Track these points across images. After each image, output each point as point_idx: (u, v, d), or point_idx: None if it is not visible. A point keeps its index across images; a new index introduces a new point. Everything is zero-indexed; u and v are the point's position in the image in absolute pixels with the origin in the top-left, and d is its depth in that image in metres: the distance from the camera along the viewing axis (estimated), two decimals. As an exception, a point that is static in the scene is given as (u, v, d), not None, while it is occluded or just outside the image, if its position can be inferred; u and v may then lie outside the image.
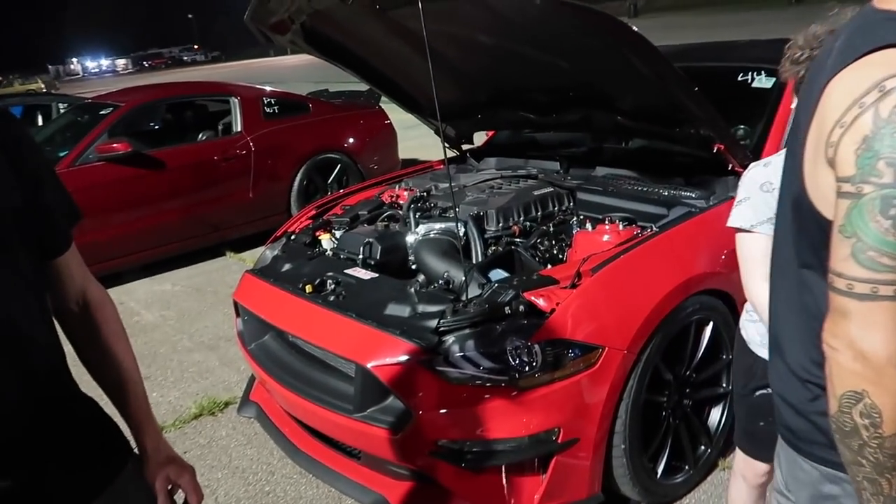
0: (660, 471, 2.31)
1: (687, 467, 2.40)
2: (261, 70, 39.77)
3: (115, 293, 4.86)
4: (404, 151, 6.86)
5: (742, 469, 1.87)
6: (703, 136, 2.50)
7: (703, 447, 2.46)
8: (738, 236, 1.63)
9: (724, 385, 2.49)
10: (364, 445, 2.20)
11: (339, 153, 6.19)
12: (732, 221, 1.64)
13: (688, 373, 2.37)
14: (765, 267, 1.49)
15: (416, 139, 7.19)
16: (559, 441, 2.01)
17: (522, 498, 2.06)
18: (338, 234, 2.98)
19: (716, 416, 2.51)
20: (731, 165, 2.58)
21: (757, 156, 2.71)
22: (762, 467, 1.82)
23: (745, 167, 2.61)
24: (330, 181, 6.15)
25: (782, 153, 1.59)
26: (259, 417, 2.81)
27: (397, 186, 3.37)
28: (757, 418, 1.73)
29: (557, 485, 2.07)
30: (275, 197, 5.86)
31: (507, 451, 2.01)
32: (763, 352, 1.69)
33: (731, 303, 2.41)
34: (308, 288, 2.46)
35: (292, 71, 17.21)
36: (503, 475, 2.05)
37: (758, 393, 1.71)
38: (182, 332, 4.18)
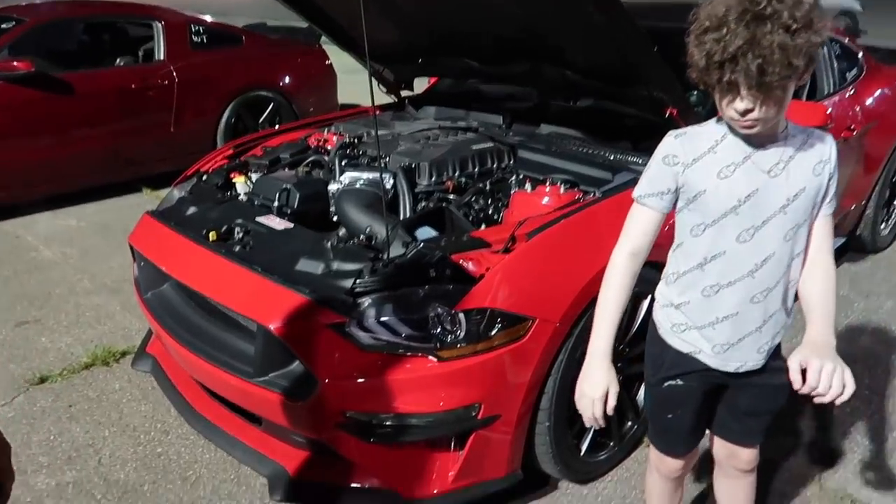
0: (584, 448, 2.19)
1: (612, 444, 2.29)
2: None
3: (12, 226, 4.42)
4: (345, 96, 6.48)
5: (656, 463, 1.76)
6: (655, 98, 2.32)
7: (629, 423, 2.35)
8: (631, 206, 1.55)
9: (656, 362, 2.37)
10: (264, 412, 1.99)
11: (272, 91, 5.79)
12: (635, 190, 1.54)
13: (621, 347, 2.24)
14: (638, 241, 1.50)
15: (360, 84, 6.78)
16: (479, 417, 1.85)
17: (435, 475, 1.90)
18: (254, 177, 2.69)
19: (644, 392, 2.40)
20: (681, 131, 2.42)
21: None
22: (675, 463, 1.72)
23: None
24: (261, 121, 5.76)
25: (705, 125, 1.44)
26: (155, 372, 2.55)
27: (326, 130, 3.08)
28: (665, 410, 1.61)
29: (474, 462, 1.91)
30: (199, 133, 5.45)
31: (422, 426, 1.83)
32: (672, 339, 1.57)
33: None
34: (212, 235, 2.19)
35: (236, 5, 16.25)
36: (415, 451, 1.88)
37: (666, 384, 1.59)
38: (83, 271, 3.82)
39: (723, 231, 1.42)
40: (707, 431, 1.74)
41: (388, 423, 1.82)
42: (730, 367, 1.52)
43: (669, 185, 1.44)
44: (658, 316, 1.63)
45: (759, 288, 1.45)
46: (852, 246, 3.90)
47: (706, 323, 1.51)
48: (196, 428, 2.26)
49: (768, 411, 1.64)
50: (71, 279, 3.72)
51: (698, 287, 1.49)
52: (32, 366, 2.89)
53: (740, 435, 1.67)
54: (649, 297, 2.20)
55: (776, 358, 1.57)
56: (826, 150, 1.43)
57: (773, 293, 1.46)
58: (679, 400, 1.61)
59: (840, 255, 3.87)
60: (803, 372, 1.36)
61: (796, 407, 2.66)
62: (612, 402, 1.48)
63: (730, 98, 1.26)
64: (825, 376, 1.33)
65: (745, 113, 1.26)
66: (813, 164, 1.40)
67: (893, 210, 4.12)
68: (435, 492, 1.89)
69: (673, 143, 1.45)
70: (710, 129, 1.44)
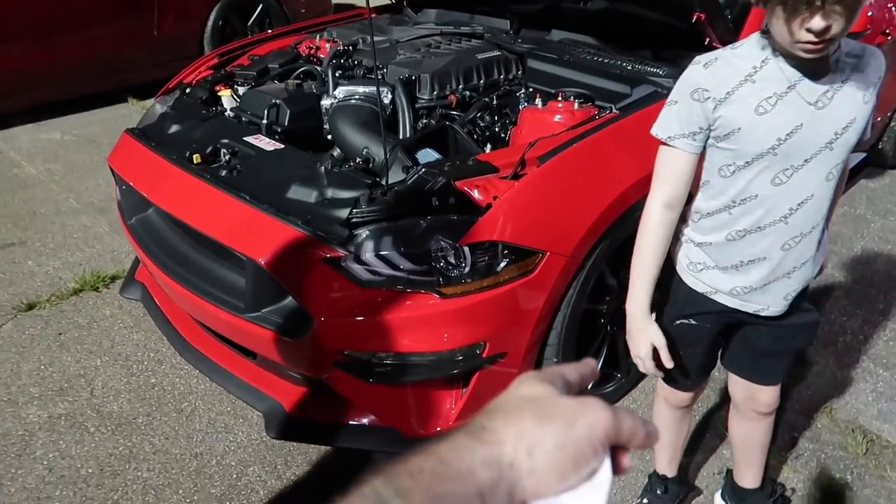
0: (591, 381, 2.11)
1: (619, 375, 2.21)
2: None
3: (-8, 139, 4.22)
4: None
5: (664, 393, 1.69)
6: (681, 0, 2.09)
7: (638, 354, 2.26)
8: (659, 148, 1.36)
9: (668, 289, 2.26)
10: (258, 348, 1.89)
11: (261, -8, 5.40)
12: (654, 128, 1.36)
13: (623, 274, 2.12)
14: (672, 188, 1.32)
15: (353, -18, 6.40)
16: (484, 356, 1.75)
17: (438, 413, 1.83)
18: (241, 90, 2.48)
19: (655, 321, 2.30)
20: (708, 40, 2.20)
21: (737, 32, 2.34)
22: (685, 394, 1.65)
23: (724, 43, 2.25)
24: (250, 23, 5.41)
25: (739, 48, 1.26)
26: (144, 300, 2.44)
27: (318, 36, 2.84)
28: (676, 348, 1.48)
29: (478, 400, 1.83)
30: (184, 38, 5.12)
31: (424, 365, 1.73)
32: (687, 277, 1.45)
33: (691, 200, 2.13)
34: (196, 158, 2.02)
35: None
36: (417, 389, 1.79)
37: (677, 322, 1.49)
38: (69, 189, 3.65)
39: (757, 173, 1.26)
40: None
41: (388, 362, 1.73)
42: (749, 309, 1.42)
43: (700, 123, 1.27)
44: (675, 250, 1.49)
45: (791, 234, 1.31)
46: (872, 161, 3.72)
47: (729, 265, 1.38)
48: (189, 360, 2.17)
49: (788, 351, 1.54)
50: (56, 198, 3.56)
51: (723, 231, 1.35)
52: (19, 291, 2.78)
53: (758, 374, 1.58)
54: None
55: (801, 297, 1.45)
56: (878, 71, 1.25)
57: (807, 239, 1.32)
58: (691, 339, 1.52)
59: (857, 171, 3.70)
60: None
61: (810, 333, 2.58)
62: (664, 358, 1.39)
63: (806, 16, 1.05)
64: None
65: (822, 32, 1.06)
66: (864, 89, 1.23)
67: (919, 122, 3.90)
68: (438, 430, 1.82)
69: (702, 74, 1.26)
70: (745, 53, 1.24)
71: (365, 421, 1.87)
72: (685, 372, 1.57)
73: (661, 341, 1.39)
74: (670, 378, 1.61)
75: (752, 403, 1.62)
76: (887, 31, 3.06)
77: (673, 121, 1.31)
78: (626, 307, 1.43)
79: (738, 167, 1.27)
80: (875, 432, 2.15)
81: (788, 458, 2.05)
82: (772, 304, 1.40)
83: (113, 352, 2.46)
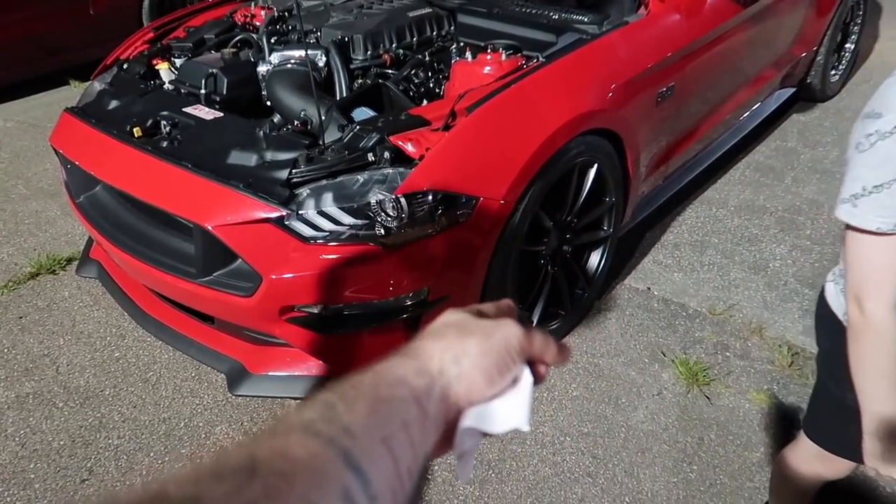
0: (536, 319, 2.24)
1: (563, 313, 2.34)
2: None
3: (-70, 131, 4.14)
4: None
5: (823, 462, 1.43)
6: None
7: (580, 291, 2.39)
8: (859, 237, 1.04)
9: (605, 228, 2.39)
10: (213, 311, 1.97)
11: (196, -38, 5.30)
12: (858, 219, 1.02)
13: (569, 218, 2.23)
14: (891, 290, 1.02)
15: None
16: (429, 300, 1.85)
17: (391, 359, 1.93)
18: (178, 62, 2.50)
19: (595, 259, 2.43)
20: (628, -14, 2.29)
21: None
22: (849, 464, 1.40)
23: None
24: (188, -5, 5.32)
25: None
26: (101, 278, 2.49)
27: (252, 4, 2.85)
28: (850, 422, 1.18)
29: (428, 343, 1.94)
30: (122, 14, 5.02)
31: (373, 314, 1.83)
32: None
33: (617, 142, 2.24)
34: (137, 131, 2.05)
35: None
36: (369, 336, 1.89)
37: (851, 396, 1.17)
38: (17, 176, 3.63)
39: None
40: None
41: (338, 313, 1.82)
42: None
43: None
44: (842, 310, 1.22)
45: None
46: (802, 95, 3.87)
47: None
48: (149, 330, 2.24)
49: None
50: (4, 185, 3.54)
51: None
52: (-26, 279, 2.80)
53: None
54: (595, 165, 2.19)
55: None
56: None
57: None
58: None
59: (789, 105, 3.86)
60: None
61: (735, 258, 2.75)
62: None
63: None
64: None
65: None
66: None
67: (844, 55, 4.06)
68: (391, 373, 1.93)
69: None
70: None
71: (322, 371, 1.97)
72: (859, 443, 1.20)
73: None
74: (841, 449, 1.34)
75: None
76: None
77: (883, 200, 0.99)
78: (864, 408, 1.14)
79: None
80: (800, 346, 2.32)
81: (720, 375, 2.21)
82: None
83: (75, 330, 2.51)
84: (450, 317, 0.53)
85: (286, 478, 0.34)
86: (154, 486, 0.32)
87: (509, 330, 0.51)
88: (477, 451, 0.50)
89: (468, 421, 0.48)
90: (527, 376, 0.51)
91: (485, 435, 0.50)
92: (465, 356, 0.48)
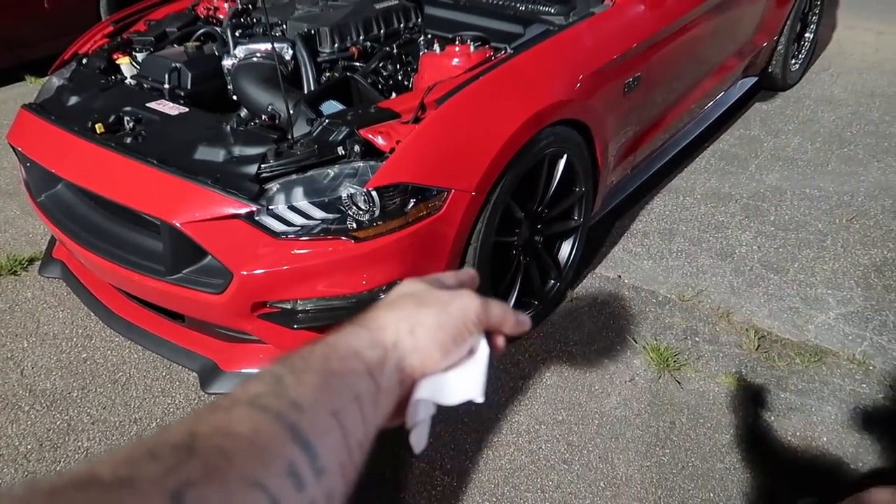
0: (509, 310, 2.24)
1: (536, 302, 2.36)
2: None
3: None
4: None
5: None
6: (564, -61, 2.17)
7: (552, 281, 2.42)
8: None
9: (576, 217, 2.41)
10: (183, 309, 1.94)
11: (155, -47, 5.18)
12: None
13: (540, 209, 2.25)
14: None
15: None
16: (402, 293, 1.84)
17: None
18: (140, 56, 2.44)
19: (566, 249, 2.45)
20: (593, -24, 2.30)
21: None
22: None
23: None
24: (148, -12, 5.20)
25: None
26: (65, 277, 2.43)
27: (215, -4, 2.80)
28: None
29: (402, 336, 1.94)
30: (78, 6, 4.90)
31: (346, 307, 1.82)
32: None
33: (586, 132, 2.26)
34: (99, 127, 2.01)
35: None
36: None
37: None
38: (-27, 176, 3.52)
39: None
40: None
41: (309, 308, 1.81)
42: None
43: None
44: None
45: None
46: (764, 84, 3.95)
47: None
48: (117, 330, 2.20)
49: None
50: (-41, 184, 3.43)
51: None
52: (-69, 282, 2.71)
53: None
54: (565, 155, 2.20)
55: None
56: None
57: None
58: None
59: (752, 94, 3.93)
60: None
61: (702, 245, 2.80)
62: None
63: None
64: None
65: None
66: None
67: (804, 44, 4.15)
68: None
69: None
70: None
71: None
72: None
73: None
74: None
75: None
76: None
77: None
78: None
79: None
80: (766, 329, 2.37)
81: (690, 360, 2.25)
82: None
83: (39, 332, 2.45)
84: (408, 287, 0.52)
85: (227, 454, 0.33)
86: (84, 468, 0.31)
87: (466, 301, 0.50)
88: (431, 423, 0.49)
89: (422, 392, 0.48)
90: (483, 348, 0.50)
91: (439, 406, 0.49)
92: (421, 328, 0.47)
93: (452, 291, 0.51)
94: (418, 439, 0.49)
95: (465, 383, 0.49)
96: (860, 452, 1.94)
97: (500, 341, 0.53)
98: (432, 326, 0.47)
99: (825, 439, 1.98)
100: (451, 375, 0.49)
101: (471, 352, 0.50)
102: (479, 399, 0.49)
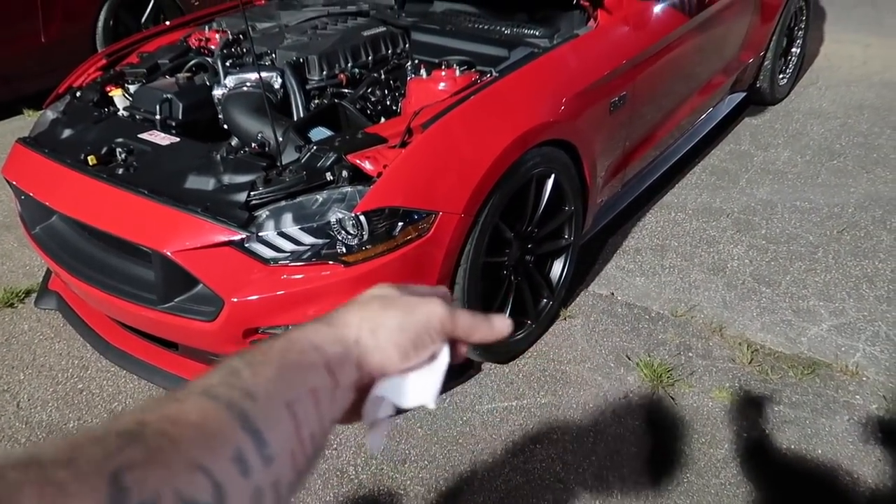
0: (502, 330, 2.25)
1: (529, 322, 2.37)
2: None
3: None
4: (232, -16, 5.97)
5: None
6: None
7: (545, 300, 2.43)
8: None
9: (566, 236, 2.43)
10: (176, 337, 1.95)
11: (150, -14, 5.27)
12: None
13: (529, 229, 2.27)
14: None
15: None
16: (393, 316, 1.86)
17: (358, 376, 1.93)
18: (132, 88, 2.48)
19: (558, 268, 2.46)
20: (576, -1, 2.35)
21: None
22: None
23: (591, 1, 2.40)
24: (144, 20, 5.28)
25: None
26: (61, 309, 2.45)
27: (207, 28, 2.85)
28: None
29: (395, 359, 1.94)
30: (75, 41, 4.96)
31: (337, 331, 1.82)
32: None
33: (573, 152, 2.28)
34: (91, 159, 2.04)
35: None
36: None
37: None
38: (-30, 209, 3.55)
39: None
40: None
41: (302, 332, 1.81)
42: None
43: None
44: None
45: None
46: (753, 99, 3.99)
47: None
48: (112, 360, 2.21)
49: None
50: (-43, 218, 3.46)
51: None
52: (-71, 316, 2.73)
53: None
54: (553, 175, 2.23)
55: None
56: None
57: None
58: None
59: (741, 109, 3.97)
60: None
61: (694, 260, 2.81)
62: None
63: None
64: None
65: None
66: None
67: (790, 59, 4.20)
68: (359, 391, 1.93)
69: None
70: None
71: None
72: None
73: None
74: None
75: None
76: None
77: None
78: None
79: None
80: (759, 343, 2.38)
81: (684, 375, 2.25)
82: None
83: (35, 364, 2.46)
84: (378, 290, 0.53)
85: (172, 439, 0.34)
86: (27, 451, 0.31)
87: (432, 308, 0.51)
88: (389, 424, 0.50)
89: (379, 390, 0.49)
90: (444, 356, 0.51)
91: (398, 410, 0.50)
92: (383, 328, 0.48)
93: (421, 298, 0.52)
94: (375, 439, 0.50)
95: (420, 388, 0.50)
96: (856, 464, 1.94)
97: (463, 350, 0.54)
98: (394, 328, 0.48)
99: (820, 452, 1.98)
100: (409, 378, 0.50)
101: (433, 357, 0.51)
102: (431, 406, 0.50)
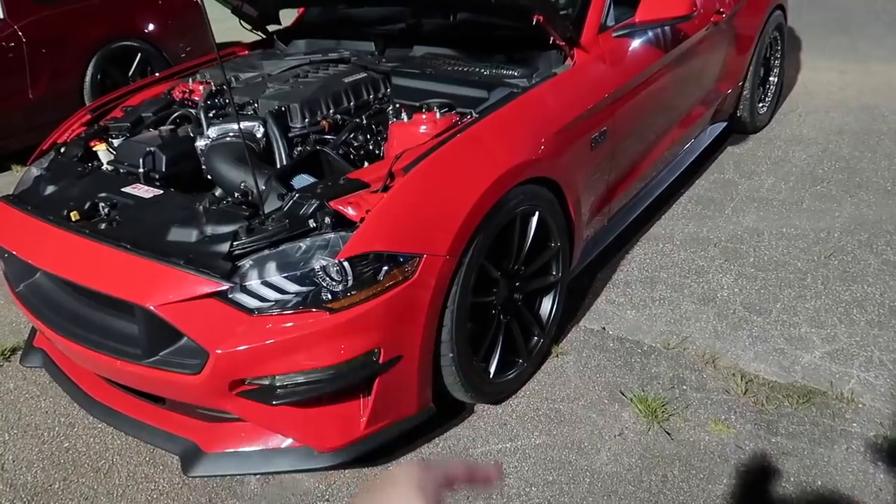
0: (493, 370, 2.23)
1: (521, 360, 2.34)
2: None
3: None
4: (223, 34, 6.05)
5: None
6: (520, 6, 2.26)
7: (535, 338, 2.41)
8: None
9: (554, 273, 2.42)
10: (162, 392, 1.92)
11: (137, 40, 5.34)
12: None
13: (516, 267, 2.26)
14: None
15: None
16: (381, 361, 1.84)
17: (346, 424, 1.90)
18: (116, 142, 2.49)
19: (547, 304, 2.45)
20: (552, 38, 2.39)
21: (578, 28, 2.54)
22: None
23: (567, 40, 2.44)
24: (131, 74, 5.34)
25: None
26: (46, 366, 2.41)
27: (191, 80, 2.88)
28: None
29: (384, 405, 1.92)
30: (63, 97, 5.00)
31: (325, 380, 1.80)
32: None
33: (556, 188, 2.30)
34: (74, 215, 2.03)
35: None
36: (323, 404, 1.87)
37: None
38: (-43, 267, 3.53)
39: None
40: None
41: (288, 383, 1.79)
42: None
43: None
44: None
45: None
46: (734, 128, 4.04)
47: None
48: (98, 417, 2.17)
49: None
50: (-57, 277, 3.43)
51: None
52: (-88, 378, 2.68)
53: None
54: (537, 213, 2.24)
55: None
56: None
57: None
58: None
59: (723, 139, 4.01)
60: None
61: (684, 291, 2.80)
62: None
63: None
64: None
65: None
66: None
67: (769, 87, 4.27)
68: (349, 440, 1.90)
69: None
70: None
71: (279, 444, 1.93)
72: None
73: None
74: None
75: None
76: (721, 9, 3.35)
77: None
78: None
79: None
80: (753, 373, 2.36)
81: (679, 409, 2.23)
82: None
83: (21, 423, 2.41)
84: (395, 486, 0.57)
85: None
86: None
87: None
88: None
89: None
90: None
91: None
92: None
93: None
94: None
95: None
96: (856, 494, 1.90)
97: None
98: None
99: (820, 483, 1.94)
100: None
101: None
102: None
